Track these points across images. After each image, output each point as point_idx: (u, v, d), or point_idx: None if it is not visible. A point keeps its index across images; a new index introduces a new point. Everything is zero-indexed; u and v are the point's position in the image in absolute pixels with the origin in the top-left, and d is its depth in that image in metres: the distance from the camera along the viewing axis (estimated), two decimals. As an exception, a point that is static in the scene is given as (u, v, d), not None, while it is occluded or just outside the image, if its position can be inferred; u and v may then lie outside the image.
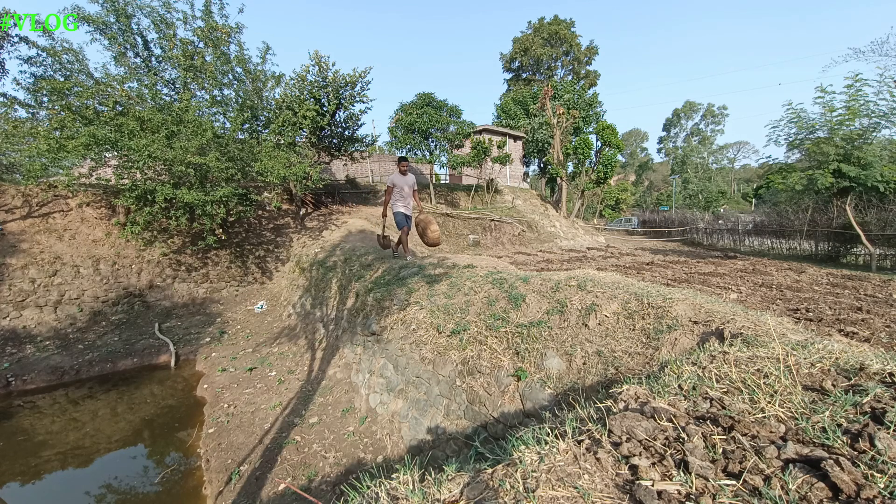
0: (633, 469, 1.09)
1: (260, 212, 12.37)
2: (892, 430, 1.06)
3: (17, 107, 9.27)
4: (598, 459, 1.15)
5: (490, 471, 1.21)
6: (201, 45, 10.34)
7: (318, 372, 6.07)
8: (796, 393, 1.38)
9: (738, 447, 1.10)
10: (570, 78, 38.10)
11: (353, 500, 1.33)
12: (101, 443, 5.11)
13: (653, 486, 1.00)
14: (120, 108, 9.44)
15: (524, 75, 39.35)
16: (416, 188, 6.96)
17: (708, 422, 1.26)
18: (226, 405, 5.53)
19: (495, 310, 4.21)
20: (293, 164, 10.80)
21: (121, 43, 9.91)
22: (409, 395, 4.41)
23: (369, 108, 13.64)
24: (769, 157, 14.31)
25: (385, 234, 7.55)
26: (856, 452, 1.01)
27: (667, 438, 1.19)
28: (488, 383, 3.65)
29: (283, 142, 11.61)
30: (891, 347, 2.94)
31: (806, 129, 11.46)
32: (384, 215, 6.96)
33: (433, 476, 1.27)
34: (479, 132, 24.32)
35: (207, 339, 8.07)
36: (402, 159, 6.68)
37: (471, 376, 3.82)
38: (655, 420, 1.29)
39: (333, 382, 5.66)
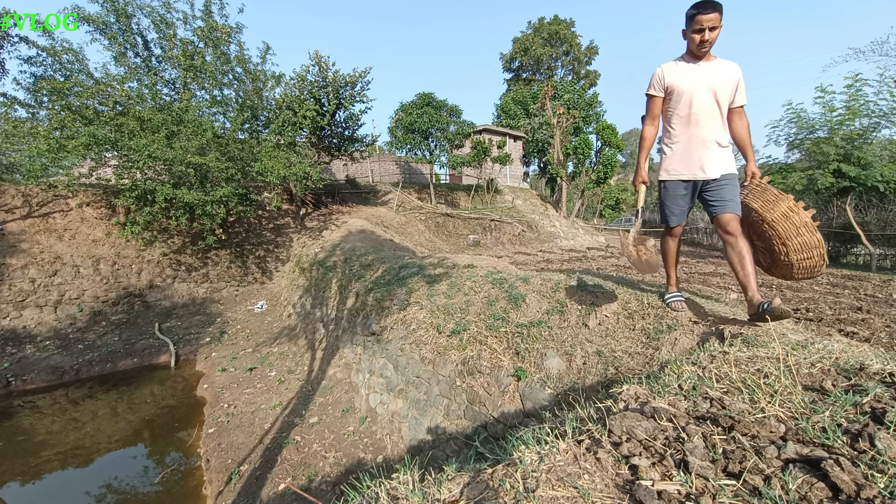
0: (633, 469, 1.09)
1: (260, 212, 12.37)
2: (892, 430, 1.06)
3: (17, 107, 9.28)
4: (598, 459, 1.15)
5: (490, 471, 1.21)
6: (201, 45, 10.34)
7: (318, 372, 6.07)
8: (796, 393, 1.38)
9: (738, 447, 1.10)
10: (570, 78, 38.06)
11: (353, 499, 1.33)
12: (101, 443, 5.11)
13: (653, 485, 1.00)
14: (120, 108, 9.45)
15: (524, 75, 39.30)
16: (741, 104, 2.61)
17: (708, 422, 1.26)
18: (226, 405, 5.53)
19: (495, 310, 4.21)
20: (293, 164, 10.80)
21: (121, 43, 9.92)
22: (409, 395, 4.41)
23: (369, 108, 13.65)
24: (769, 157, 14.25)
25: (639, 237, 2.82)
26: (856, 452, 1.01)
27: (667, 438, 1.19)
28: (488, 383, 3.65)
29: (283, 142, 11.62)
30: (891, 347, 2.95)
31: (806, 129, 11.45)
32: (640, 181, 2.90)
33: (433, 476, 1.27)
34: (479, 132, 24.30)
35: (207, 339, 8.07)
36: (702, 6, 2.33)
37: (471, 376, 3.82)
38: (655, 420, 1.29)
39: (333, 382, 5.66)
